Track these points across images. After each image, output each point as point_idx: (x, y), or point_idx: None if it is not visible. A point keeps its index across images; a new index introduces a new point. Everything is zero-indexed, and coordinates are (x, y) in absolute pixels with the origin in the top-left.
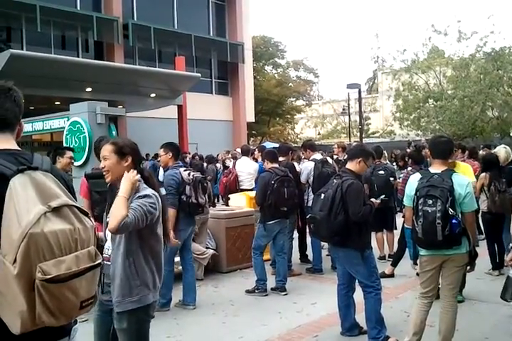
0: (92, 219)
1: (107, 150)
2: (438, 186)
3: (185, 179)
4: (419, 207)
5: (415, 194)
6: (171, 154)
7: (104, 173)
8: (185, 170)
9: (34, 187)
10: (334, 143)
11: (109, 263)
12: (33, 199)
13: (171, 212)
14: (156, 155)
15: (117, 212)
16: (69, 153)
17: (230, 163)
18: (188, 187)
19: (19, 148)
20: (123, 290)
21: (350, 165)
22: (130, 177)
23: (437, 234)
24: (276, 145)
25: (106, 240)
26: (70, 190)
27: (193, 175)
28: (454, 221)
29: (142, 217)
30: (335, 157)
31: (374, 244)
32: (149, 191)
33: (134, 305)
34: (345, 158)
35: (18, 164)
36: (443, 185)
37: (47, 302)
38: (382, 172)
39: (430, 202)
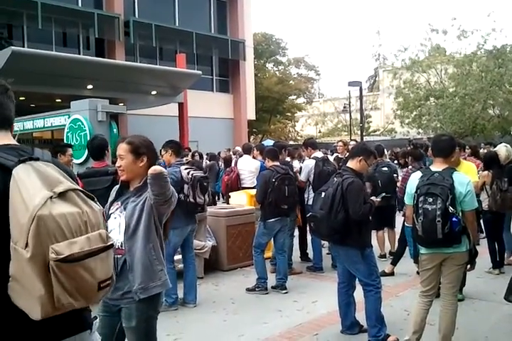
0: (98, 202)
1: (122, 149)
2: (438, 184)
3: (184, 178)
4: (420, 205)
5: (415, 192)
6: (170, 151)
7: (119, 172)
8: (185, 169)
9: (37, 175)
10: (335, 141)
11: (118, 256)
12: (38, 186)
13: None
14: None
15: (164, 178)
16: (69, 151)
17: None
18: (186, 186)
19: (19, 144)
20: (147, 276)
21: (351, 164)
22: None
23: (437, 232)
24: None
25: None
26: (74, 180)
27: (192, 174)
28: (454, 219)
29: (171, 191)
30: (335, 155)
31: (374, 242)
32: None
33: (159, 289)
34: (346, 156)
35: (19, 156)
36: (443, 183)
37: (64, 282)
38: (385, 168)
39: (430, 200)
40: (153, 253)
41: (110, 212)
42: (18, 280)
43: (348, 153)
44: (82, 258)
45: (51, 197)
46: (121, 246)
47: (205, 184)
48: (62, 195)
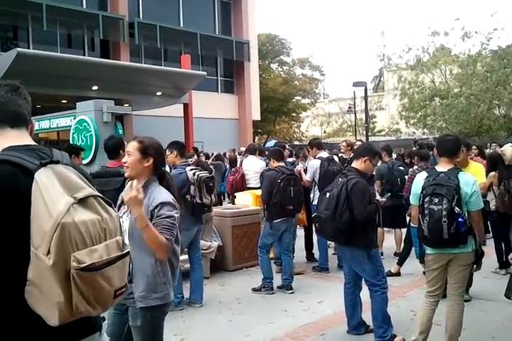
0: (115, 209)
1: (132, 146)
2: (444, 184)
3: (190, 179)
4: (425, 206)
5: (421, 192)
6: (175, 152)
7: (124, 167)
8: (191, 170)
9: (58, 179)
10: (340, 141)
11: None
12: (60, 191)
13: None
14: None
15: (156, 242)
16: (82, 154)
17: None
18: (192, 187)
19: (36, 144)
20: (149, 286)
21: (356, 164)
22: (131, 195)
23: (443, 233)
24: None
25: None
26: (91, 183)
27: (197, 175)
28: (460, 219)
29: (175, 230)
30: (340, 155)
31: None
32: (164, 196)
33: (158, 301)
34: (351, 156)
35: (40, 158)
36: (449, 184)
37: (83, 291)
38: (402, 167)
39: (436, 200)
40: (158, 264)
41: (119, 215)
42: (36, 285)
43: (352, 154)
44: (101, 267)
45: (72, 204)
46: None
47: (210, 184)
48: (82, 201)
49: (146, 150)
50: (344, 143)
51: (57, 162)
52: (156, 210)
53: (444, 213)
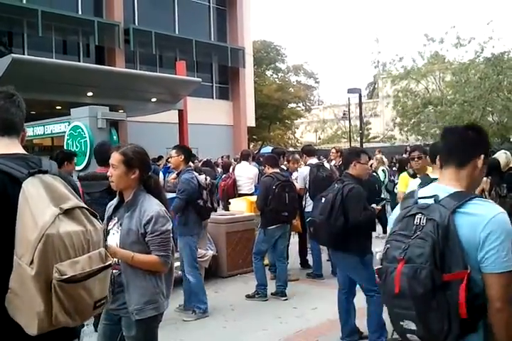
0: (100, 220)
1: (115, 159)
2: None
3: (202, 184)
4: None
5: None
6: (183, 156)
7: (109, 180)
8: (199, 175)
9: (45, 189)
10: (330, 147)
11: (114, 271)
12: (47, 201)
13: (171, 213)
14: (156, 159)
15: (149, 266)
16: (75, 159)
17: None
18: (204, 192)
19: (26, 152)
20: (144, 298)
21: (350, 171)
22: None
23: None
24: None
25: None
26: (77, 193)
27: (210, 180)
28: None
29: (170, 244)
30: (332, 162)
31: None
32: (154, 208)
33: (153, 312)
34: (340, 163)
35: (29, 168)
36: None
37: (64, 302)
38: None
39: None
40: (151, 276)
41: (109, 228)
42: (18, 294)
43: (340, 160)
44: (83, 279)
45: (58, 215)
46: (118, 261)
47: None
48: (68, 212)
49: (131, 162)
50: (333, 150)
51: (46, 172)
52: (149, 225)
53: None
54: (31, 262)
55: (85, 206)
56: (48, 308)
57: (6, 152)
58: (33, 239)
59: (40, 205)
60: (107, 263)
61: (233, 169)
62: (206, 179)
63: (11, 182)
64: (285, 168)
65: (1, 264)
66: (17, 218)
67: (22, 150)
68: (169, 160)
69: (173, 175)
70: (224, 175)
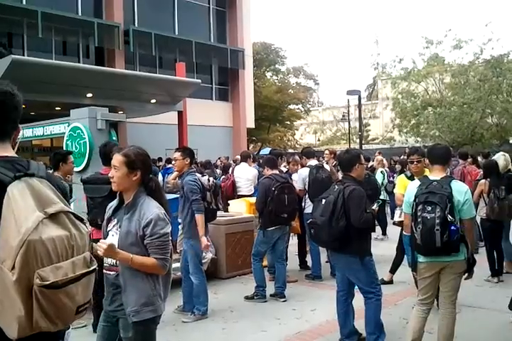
0: (87, 224)
1: (117, 160)
2: (437, 192)
3: (205, 185)
4: (418, 214)
5: (414, 200)
6: (188, 160)
7: (111, 181)
8: (202, 176)
9: (31, 193)
10: (331, 149)
11: (111, 273)
12: (31, 206)
13: (199, 218)
14: (155, 161)
15: (147, 268)
16: (70, 158)
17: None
18: (208, 194)
19: (16, 155)
20: (141, 299)
21: (352, 173)
22: (104, 249)
23: (436, 241)
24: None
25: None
26: (66, 197)
27: (213, 181)
28: (452, 227)
29: (169, 247)
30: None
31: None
32: (154, 211)
33: (151, 314)
34: (334, 164)
35: (15, 171)
36: (442, 192)
37: (45, 307)
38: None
39: (429, 208)
40: (149, 278)
41: (108, 229)
42: None
43: (334, 161)
44: (65, 285)
45: (42, 220)
46: (116, 263)
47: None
48: (53, 217)
49: (133, 164)
50: (327, 151)
51: (32, 175)
52: (148, 228)
53: (437, 221)
54: (13, 267)
55: (71, 210)
56: (29, 313)
57: None
58: (15, 244)
59: (24, 210)
60: (91, 268)
61: (232, 170)
62: (209, 180)
63: None
64: (285, 170)
65: None
66: (1, 222)
67: (11, 153)
68: (172, 162)
69: (173, 176)
70: (223, 177)
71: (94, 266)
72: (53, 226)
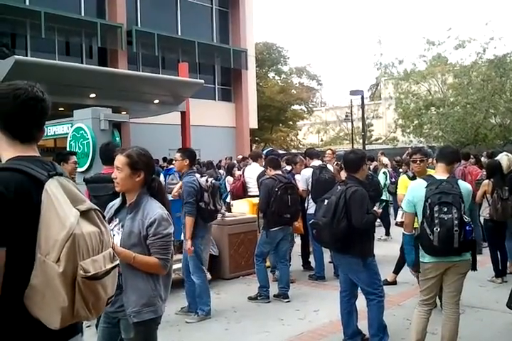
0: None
1: (120, 161)
2: (449, 192)
3: (203, 186)
4: (435, 215)
5: (426, 201)
6: (187, 161)
7: (114, 181)
8: (201, 177)
9: (64, 191)
10: (338, 149)
11: None
12: (68, 203)
13: (188, 220)
14: (158, 161)
15: (149, 268)
16: (73, 158)
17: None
18: (206, 194)
19: (40, 155)
20: (142, 300)
21: (357, 174)
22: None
23: (454, 242)
24: (282, 151)
25: None
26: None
27: (211, 182)
28: (467, 227)
29: (171, 247)
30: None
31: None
32: (158, 211)
33: (151, 315)
34: (335, 164)
35: (46, 170)
36: (453, 191)
37: (86, 297)
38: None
39: (445, 209)
40: (150, 278)
41: (109, 229)
42: (39, 290)
43: (335, 161)
44: (102, 277)
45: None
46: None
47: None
48: (84, 214)
49: (136, 165)
50: (329, 151)
51: (61, 174)
52: (151, 228)
53: (456, 222)
54: (58, 260)
55: (98, 208)
56: (71, 303)
57: (24, 154)
58: (61, 238)
59: (64, 206)
60: (115, 263)
61: (243, 171)
62: (207, 181)
63: (33, 183)
64: (288, 170)
65: (22, 262)
66: (41, 217)
67: (38, 153)
68: (173, 162)
69: (176, 189)
70: (227, 177)
71: (117, 261)
72: (86, 222)
